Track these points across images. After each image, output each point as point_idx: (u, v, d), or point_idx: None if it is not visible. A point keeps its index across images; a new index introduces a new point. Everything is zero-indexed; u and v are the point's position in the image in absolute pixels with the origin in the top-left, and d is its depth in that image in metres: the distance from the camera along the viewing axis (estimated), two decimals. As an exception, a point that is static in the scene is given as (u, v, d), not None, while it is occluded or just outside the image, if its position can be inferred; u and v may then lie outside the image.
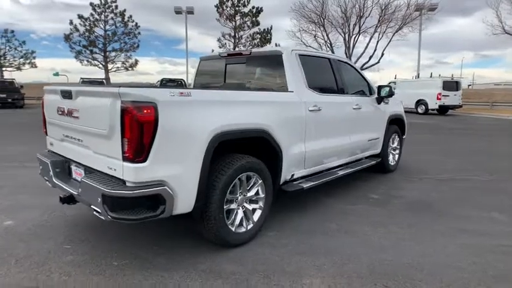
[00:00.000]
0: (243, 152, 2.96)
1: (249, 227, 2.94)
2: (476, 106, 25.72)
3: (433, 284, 2.37)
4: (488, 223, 3.50)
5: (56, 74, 38.12)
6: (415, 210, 3.85)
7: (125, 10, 30.43)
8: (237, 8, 30.82)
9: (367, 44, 30.73)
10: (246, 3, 31.01)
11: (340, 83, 4.20)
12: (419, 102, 20.00)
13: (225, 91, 2.85)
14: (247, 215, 2.96)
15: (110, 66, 31.34)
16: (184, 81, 23.02)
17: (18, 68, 31.64)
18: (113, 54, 31.18)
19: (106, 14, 29.46)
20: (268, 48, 3.76)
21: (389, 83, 23.07)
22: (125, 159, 2.18)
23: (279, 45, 31.74)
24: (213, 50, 23.76)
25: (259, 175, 2.97)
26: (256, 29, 31.74)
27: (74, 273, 2.43)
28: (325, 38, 31.01)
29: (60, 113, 2.74)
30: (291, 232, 3.20)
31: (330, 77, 4.10)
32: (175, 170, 2.31)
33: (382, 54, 30.51)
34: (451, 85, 19.15)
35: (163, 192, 2.25)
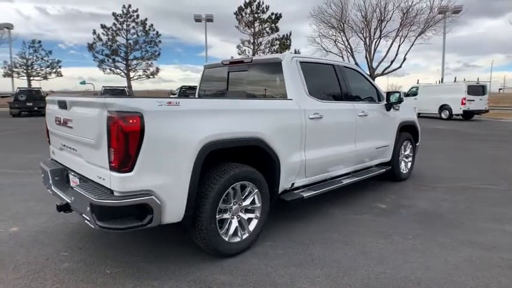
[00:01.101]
0: (239, 161, 2.94)
1: (244, 237, 2.90)
2: (505, 111, 24.57)
3: (431, 301, 2.24)
4: (499, 236, 3.29)
5: (83, 83, 39.60)
6: (423, 221, 3.68)
7: (146, 19, 31.38)
8: (255, 15, 31.10)
9: (389, 49, 30.14)
10: (265, 10, 31.25)
11: (344, 89, 4.11)
12: (443, 108, 19.33)
13: (215, 100, 2.85)
14: (243, 224, 2.92)
15: (131, 74, 32.30)
16: None
17: (45, 77, 33.21)
18: (135, 62, 32.14)
19: (128, 23, 30.45)
20: (268, 55, 3.72)
21: (411, 88, 22.47)
22: (111, 168, 2.20)
23: (298, 52, 31.90)
24: (232, 57, 24.10)
25: (255, 184, 2.93)
26: (275, 35, 31.91)
27: (67, 281, 2.47)
28: (346, 43, 30.69)
29: (58, 122, 2.82)
30: (289, 242, 3.13)
31: (333, 83, 4.02)
32: (163, 179, 2.32)
33: (404, 59, 29.84)
34: (477, 89, 18.40)
35: (150, 202, 2.25)
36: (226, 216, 2.78)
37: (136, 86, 32.11)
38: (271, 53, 31.76)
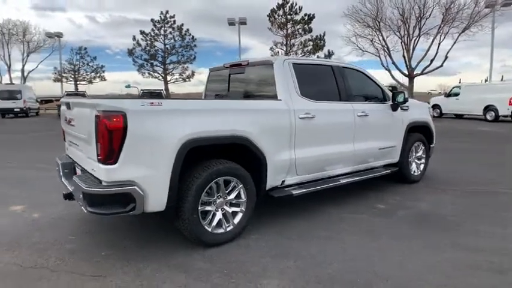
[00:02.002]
0: (227, 158, 3.14)
1: (228, 229, 3.09)
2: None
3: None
4: (495, 240, 3.18)
5: (128, 86, 41.76)
6: (420, 223, 3.64)
7: (182, 24, 32.64)
8: (288, 16, 31.15)
9: (429, 47, 28.80)
10: (298, 11, 31.20)
11: (343, 90, 4.16)
12: (487, 109, 18.13)
13: (196, 100, 3.07)
14: (227, 217, 3.11)
15: (168, 78, 33.72)
16: None
17: (90, 82, 35.73)
18: (171, 66, 33.53)
19: (165, 28, 31.86)
20: (262, 58, 3.89)
21: (453, 88, 21.33)
22: (99, 161, 2.50)
23: (332, 53, 31.50)
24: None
25: (239, 180, 3.11)
26: (308, 36, 31.74)
27: (67, 259, 2.82)
28: (382, 42, 29.76)
29: (66, 121, 3.20)
30: (275, 236, 3.27)
31: (330, 84, 4.08)
32: (145, 172, 2.58)
33: (446, 57, 28.35)
34: (528, 88, 17.06)
35: (132, 192, 2.52)
36: (209, 208, 2.99)
37: (177, 89, 33.69)
38: (304, 54, 31.64)
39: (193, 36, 33.25)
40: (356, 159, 4.31)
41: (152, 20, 31.75)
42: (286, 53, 32.10)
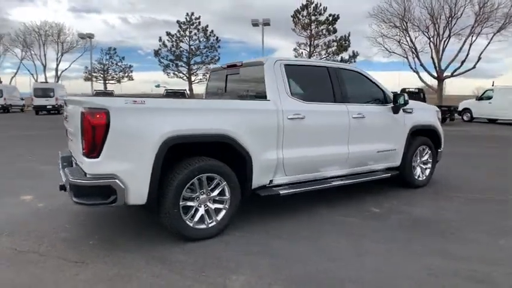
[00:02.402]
0: (213, 156, 3.23)
1: (210, 225, 3.18)
2: None
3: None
4: (487, 249, 3.06)
5: (158, 86, 42.78)
6: (411, 228, 3.56)
7: (207, 26, 33.23)
8: (312, 17, 30.93)
9: (460, 48, 27.67)
10: (323, 12, 30.91)
11: (338, 91, 4.13)
12: (523, 113, 17.22)
13: (179, 100, 3.18)
14: (210, 213, 3.20)
15: (192, 78, 34.43)
16: None
17: (118, 81, 37.17)
18: (196, 67, 34.21)
19: (190, 30, 32.57)
20: (255, 59, 3.95)
21: (485, 91, 20.40)
22: (83, 154, 2.67)
23: (356, 53, 30.92)
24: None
25: (223, 177, 3.19)
26: (332, 37, 31.37)
27: (58, 245, 3.01)
28: (410, 43, 28.89)
29: (64, 117, 3.42)
30: (259, 235, 3.32)
31: (324, 85, 4.08)
32: (126, 166, 2.72)
33: (479, 58, 27.12)
34: None
35: (113, 184, 2.67)
36: (192, 204, 3.09)
37: (202, 89, 34.25)
38: (328, 55, 31.30)
39: (217, 37, 33.83)
40: (352, 162, 4.27)
41: (178, 21, 32.63)
42: (310, 54, 31.89)
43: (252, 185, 3.46)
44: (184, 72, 34.22)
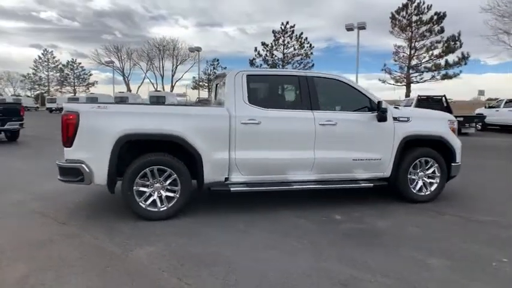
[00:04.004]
0: (170, 152, 3.91)
1: (161, 209, 3.86)
2: None
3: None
4: (407, 265, 2.91)
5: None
6: (353, 238, 3.50)
7: (301, 33, 33.92)
8: (414, 17, 28.48)
9: None
10: (426, 10, 28.16)
11: (305, 99, 4.30)
12: None
13: (133, 105, 3.94)
14: (162, 199, 3.88)
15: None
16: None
17: (221, 89, 41.07)
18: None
19: (283, 38, 33.82)
20: (228, 70, 4.46)
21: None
22: (63, 144, 3.70)
23: (467, 55, 27.03)
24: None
25: (173, 170, 3.84)
26: (437, 37, 28.26)
27: (63, 211, 4.15)
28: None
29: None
30: (201, 224, 3.80)
31: (289, 93, 4.33)
32: (90, 155, 3.64)
33: None
34: None
35: (80, 168, 3.62)
36: (145, 189, 3.83)
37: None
38: (430, 57, 28.30)
39: (310, 44, 34.18)
40: (320, 168, 4.35)
41: (273, 31, 34.25)
42: (410, 58, 29.39)
43: (205, 180, 4.00)
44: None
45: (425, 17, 27.82)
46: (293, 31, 33.85)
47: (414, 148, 4.70)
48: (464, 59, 27.14)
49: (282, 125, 4.18)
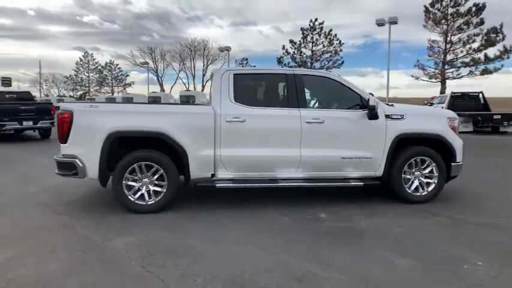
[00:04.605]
0: (158, 149, 4.11)
1: (149, 203, 4.07)
2: None
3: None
4: (373, 263, 2.89)
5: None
6: (330, 236, 3.50)
7: (330, 30, 33.30)
8: (450, 9, 26.98)
9: None
10: (464, 2, 26.56)
11: (292, 97, 4.31)
12: None
13: (128, 104, 4.16)
14: (150, 194, 4.09)
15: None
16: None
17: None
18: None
19: (312, 36, 33.37)
20: (217, 69, 4.57)
21: None
22: (59, 141, 4.01)
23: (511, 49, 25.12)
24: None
25: (160, 165, 4.04)
26: (476, 30, 26.59)
27: (64, 203, 4.50)
28: None
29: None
30: (186, 219, 3.94)
31: (276, 91, 4.36)
32: (83, 150, 3.92)
33: None
34: None
35: (74, 162, 3.91)
36: (134, 184, 4.05)
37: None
38: (467, 51, 26.68)
39: (340, 41, 33.46)
40: (307, 165, 4.35)
41: (301, 28, 33.94)
42: (445, 52, 27.91)
43: (191, 176, 4.16)
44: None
45: (462, 9, 26.26)
46: (321, 28, 33.31)
47: (409, 147, 4.55)
48: (507, 52, 25.33)
49: (267, 122, 4.24)
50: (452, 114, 4.82)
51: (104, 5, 71.38)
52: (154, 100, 34.40)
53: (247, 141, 4.20)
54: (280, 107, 4.33)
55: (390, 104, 4.84)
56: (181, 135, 4.02)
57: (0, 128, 10.45)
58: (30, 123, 10.88)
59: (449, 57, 27.91)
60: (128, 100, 32.82)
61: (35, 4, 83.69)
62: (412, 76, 29.70)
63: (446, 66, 28.01)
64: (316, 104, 4.43)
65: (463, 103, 17.29)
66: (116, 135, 3.92)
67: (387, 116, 4.46)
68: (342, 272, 2.74)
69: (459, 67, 27.41)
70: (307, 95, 4.42)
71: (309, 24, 33.85)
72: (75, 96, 61.87)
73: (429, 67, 28.80)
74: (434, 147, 4.61)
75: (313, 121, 4.27)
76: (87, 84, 60.87)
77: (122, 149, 4.12)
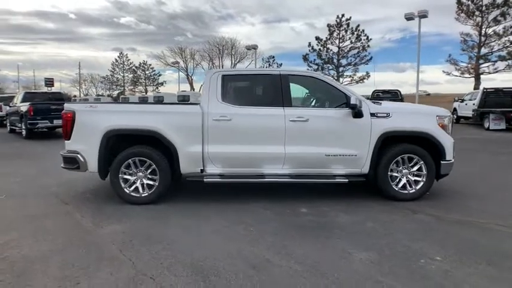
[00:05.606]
0: (152, 146, 4.47)
1: (143, 195, 4.44)
2: None
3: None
4: (328, 256, 3.04)
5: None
6: (301, 229, 3.65)
7: (358, 25, 32.59)
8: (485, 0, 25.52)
9: None
10: (501, -8, 25.01)
11: (277, 96, 4.48)
12: None
13: (122, 104, 4.53)
14: (144, 186, 4.46)
15: (341, 80, 34.53)
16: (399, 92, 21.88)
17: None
18: (345, 68, 34.19)
19: (338, 32, 32.82)
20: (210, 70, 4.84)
21: None
22: (64, 137, 4.47)
23: None
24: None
25: (152, 160, 4.39)
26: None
27: (69, 195, 4.99)
28: None
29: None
30: (174, 210, 4.23)
31: (261, 91, 4.57)
32: (84, 147, 4.35)
33: None
34: None
35: (76, 157, 4.36)
36: (129, 177, 4.43)
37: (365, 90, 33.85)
38: (504, 45, 25.10)
39: (367, 37, 32.68)
40: (292, 162, 4.51)
41: (328, 24, 33.48)
42: (480, 46, 26.43)
43: (182, 171, 4.47)
44: (333, 75, 34.80)
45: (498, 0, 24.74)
46: (348, 24, 32.68)
47: (395, 144, 4.58)
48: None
49: (252, 121, 4.45)
50: (442, 112, 4.77)
51: (140, 6, 74.33)
52: (183, 99, 35.65)
53: (233, 138, 4.44)
54: (266, 106, 4.53)
55: (378, 102, 4.87)
56: (171, 133, 4.34)
57: (34, 126, 11.45)
58: (60, 121, 11.75)
59: (483, 50, 26.42)
60: (159, 99, 34.07)
61: (75, 8, 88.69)
62: (444, 72, 28.45)
63: (480, 61, 26.53)
64: (301, 103, 4.57)
65: (496, 99, 16.38)
66: (112, 133, 4.32)
67: (372, 115, 4.51)
68: (298, 261, 2.92)
69: (495, 61, 25.88)
70: (293, 94, 4.57)
71: (336, 21, 33.34)
72: (112, 95, 64.99)
73: (462, 62, 27.44)
74: (424, 145, 4.61)
75: (297, 119, 4.43)
76: (122, 84, 63.68)
77: (121, 145, 4.51)
